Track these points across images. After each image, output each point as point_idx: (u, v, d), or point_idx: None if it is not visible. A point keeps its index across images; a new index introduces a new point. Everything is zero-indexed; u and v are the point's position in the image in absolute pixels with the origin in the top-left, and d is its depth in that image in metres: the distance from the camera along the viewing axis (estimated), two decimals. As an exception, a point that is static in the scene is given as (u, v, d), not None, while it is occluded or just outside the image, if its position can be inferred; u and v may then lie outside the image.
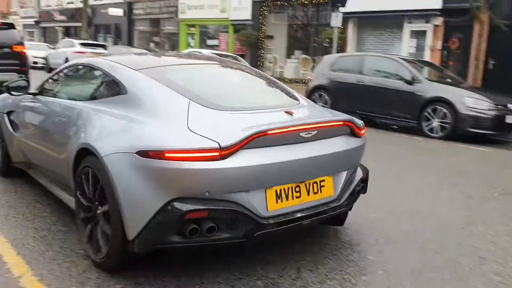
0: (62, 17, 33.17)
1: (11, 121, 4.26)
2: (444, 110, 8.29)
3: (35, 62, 20.49)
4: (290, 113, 2.87)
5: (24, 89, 4.10)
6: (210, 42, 22.19)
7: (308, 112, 3.11)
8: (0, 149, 4.52)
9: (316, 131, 2.76)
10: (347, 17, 15.35)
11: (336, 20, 13.09)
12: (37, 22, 34.00)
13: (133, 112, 2.76)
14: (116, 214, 2.52)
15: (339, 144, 2.94)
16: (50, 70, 19.79)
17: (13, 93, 4.06)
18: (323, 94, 10.19)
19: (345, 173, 3.02)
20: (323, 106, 6.88)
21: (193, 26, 22.94)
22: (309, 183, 2.81)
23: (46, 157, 3.53)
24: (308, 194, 2.80)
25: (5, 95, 4.34)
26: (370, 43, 15.52)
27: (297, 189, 2.75)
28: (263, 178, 2.56)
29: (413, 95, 8.72)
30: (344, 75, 9.93)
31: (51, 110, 3.62)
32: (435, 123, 8.46)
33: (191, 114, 2.63)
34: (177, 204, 2.39)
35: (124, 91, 2.96)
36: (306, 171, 2.76)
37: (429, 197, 4.60)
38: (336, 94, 9.92)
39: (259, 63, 19.28)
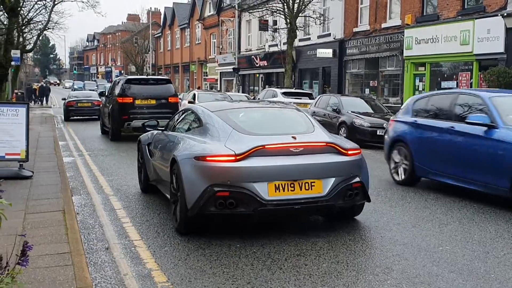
0: (263, 62, 37.29)
1: (149, 150, 8.17)
2: None
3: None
4: (294, 137, 6.03)
5: (154, 126, 8.22)
6: (445, 84, 22.09)
7: (311, 137, 6.26)
8: (142, 172, 8.51)
9: (302, 148, 5.92)
10: None
11: None
12: (235, 69, 38.88)
13: (202, 137, 6.41)
14: (182, 194, 5.91)
15: (324, 158, 5.99)
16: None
17: (147, 128, 8.36)
18: None
19: (333, 179, 5.93)
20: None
21: (422, 65, 23.25)
22: (302, 182, 5.80)
23: (162, 170, 7.17)
24: (301, 190, 5.80)
25: (148, 133, 8.58)
26: None
27: (292, 185, 5.76)
28: (264, 175, 5.69)
29: None
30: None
31: (168, 139, 7.32)
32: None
33: (230, 137, 6.08)
34: (212, 187, 5.64)
35: (202, 124, 6.73)
36: (296, 173, 5.79)
37: None
38: None
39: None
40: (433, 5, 22.83)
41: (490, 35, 19.15)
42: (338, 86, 29.00)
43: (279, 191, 5.70)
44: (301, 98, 22.87)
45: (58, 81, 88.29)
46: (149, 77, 22.66)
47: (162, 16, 69.56)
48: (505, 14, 18.29)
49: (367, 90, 27.26)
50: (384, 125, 15.97)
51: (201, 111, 7.00)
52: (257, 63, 38.35)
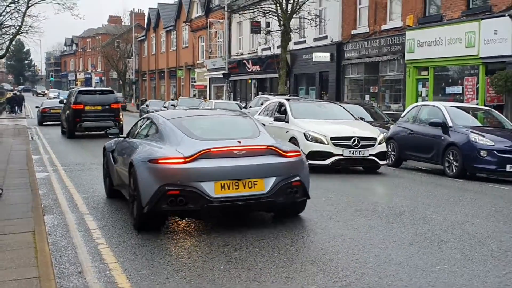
0: (256, 67, 37.46)
1: (113, 157, 9.21)
2: None
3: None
4: (239, 141, 7.23)
5: (116, 134, 9.62)
6: (450, 89, 22.29)
7: (255, 141, 7.51)
8: (108, 178, 9.61)
9: (245, 151, 7.11)
10: None
11: None
12: (225, 75, 38.99)
13: (158, 142, 7.62)
14: (138, 194, 7.01)
15: (266, 160, 7.20)
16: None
17: (110, 136, 9.67)
18: None
19: (274, 178, 7.13)
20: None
21: (425, 69, 23.47)
22: (245, 181, 6.96)
23: (123, 175, 8.12)
24: (244, 188, 6.96)
25: (112, 140, 9.76)
26: None
27: (236, 183, 6.92)
28: (211, 175, 6.84)
29: None
30: None
31: (129, 145, 8.41)
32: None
33: (181, 142, 7.28)
34: (164, 187, 6.75)
35: (158, 131, 7.93)
36: (239, 173, 6.94)
37: None
38: None
39: (526, 117, 18.52)
40: (437, 5, 23.11)
41: (497, 36, 19.39)
42: (336, 92, 29.20)
43: (224, 189, 6.88)
44: (296, 106, 22.96)
45: (45, 91, 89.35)
46: (96, 88, 32.05)
47: (146, 18, 69.67)
48: (513, 15, 18.53)
49: (367, 97, 27.47)
50: (384, 134, 16.18)
51: (158, 119, 8.26)
52: (249, 68, 38.53)
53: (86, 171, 12.97)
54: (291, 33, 28.49)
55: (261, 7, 29.92)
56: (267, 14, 29.59)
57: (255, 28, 34.98)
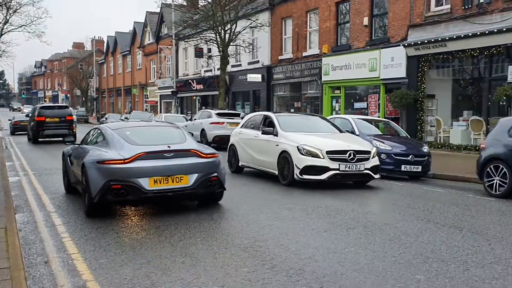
0: (199, 86, 37.29)
1: (70, 160, 9.53)
2: None
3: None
4: (169, 146, 7.83)
5: (72, 142, 10.10)
6: (357, 105, 22.90)
7: (182, 146, 8.08)
8: (66, 177, 9.98)
9: (173, 154, 7.75)
10: (529, 68, 14.81)
11: (513, 74, 12.78)
12: (174, 92, 38.65)
13: (104, 148, 8.08)
14: (89, 188, 7.53)
15: (190, 160, 7.85)
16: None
17: (67, 143, 10.13)
18: (500, 165, 9.89)
19: (196, 174, 7.78)
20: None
21: (338, 88, 24.01)
22: (174, 177, 7.59)
23: (78, 174, 8.44)
24: (173, 182, 7.60)
25: (69, 147, 10.10)
26: None
27: (166, 179, 7.55)
28: (146, 172, 7.44)
29: None
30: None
31: (82, 150, 8.71)
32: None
33: (122, 147, 7.81)
34: (109, 182, 7.34)
35: (105, 139, 8.38)
36: (169, 171, 7.57)
37: None
38: (517, 166, 9.59)
39: (418, 127, 19.24)
40: (346, 36, 23.68)
41: (394, 62, 20.09)
42: (267, 107, 29.41)
43: (157, 183, 7.50)
44: (233, 118, 22.99)
45: (20, 107, 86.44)
46: (54, 104, 33.77)
47: (105, 44, 68.13)
48: (406, 44, 19.25)
49: (292, 111, 27.78)
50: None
51: (105, 129, 8.71)
52: (193, 87, 38.29)
53: (52, 175, 12.56)
54: (228, 58, 28.54)
55: (203, 36, 29.81)
56: (208, 42, 29.51)
57: (199, 53, 34.88)
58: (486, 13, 16.50)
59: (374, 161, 10.97)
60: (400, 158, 12.74)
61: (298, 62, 26.67)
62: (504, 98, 15.24)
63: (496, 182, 9.96)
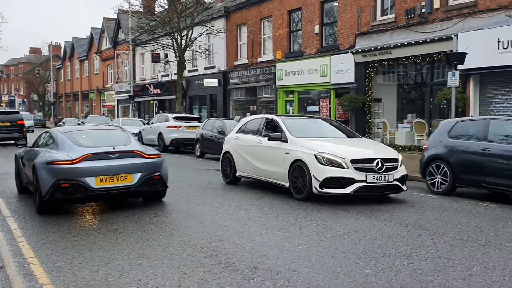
0: (157, 90, 36.85)
1: (22, 162, 9.65)
2: None
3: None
4: (114, 148, 8.22)
5: (24, 145, 10.01)
6: (310, 108, 23.18)
7: (126, 148, 8.41)
8: (19, 178, 10.14)
9: (118, 155, 8.14)
10: (467, 74, 15.39)
11: (452, 80, 13.23)
12: (131, 97, 38.01)
13: (54, 150, 8.31)
14: (39, 187, 7.82)
15: (133, 161, 8.21)
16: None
17: (19, 146, 10.02)
18: (441, 165, 10.23)
19: (140, 173, 8.13)
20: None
21: (291, 93, 24.23)
22: (118, 176, 7.97)
23: (29, 175, 8.61)
24: (118, 181, 7.98)
25: (21, 149, 10.12)
26: (497, 103, 15.25)
27: (112, 178, 7.93)
28: (92, 172, 7.80)
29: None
30: (466, 142, 9.97)
31: (33, 152, 8.87)
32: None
33: (72, 149, 8.08)
34: (58, 181, 7.63)
35: (54, 141, 8.64)
36: (114, 170, 7.93)
37: None
38: (456, 165, 9.93)
39: (366, 129, 19.65)
40: (299, 43, 23.93)
41: (343, 68, 20.44)
42: (223, 111, 29.38)
43: (103, 182, 7.87)
44: (190, 122, 22.86)
45: None
46: (6, 110, 32.75)
47: (62, 49, 66.33)
48: (354, 52, 19.63)
49: (248, 114, 27.84)
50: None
51: (55, 133, 8.91)
52: (151, 91, 37.80)
53: (8, 180, 12.13)
54: (185, 63, 28.34)
55: (160, 42, 29.50)
56: (165, 47, 29.23)
57: (155, 58, 34.43)
58: (427, 22, 17.04)
59: (402, 170, 9.27)
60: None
61: (253, 68, 26.76)
62: (445, 101, 15.74)
63: (438, 180, 10.29)
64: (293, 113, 23.89)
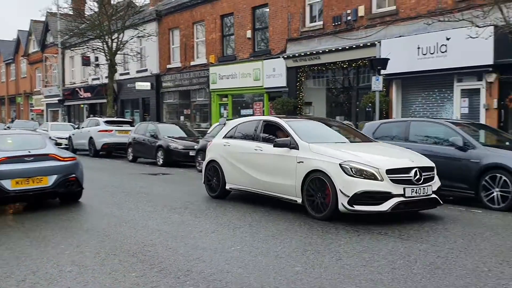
0: (87, 94, 35.69)
1: None
2: (505, 178, 8.51)
3: (58, 144, 21.55)
4: (29, 151, 8.50)
5: None
6: (244, 111, 23.31)
7: (41, 151, 8.72)
8: None
9: (33, 158, 8.43)
10: (390, 78, 16.07)
11: (376, 84, 13.79)
12: (60, 101, 36.65)
13: None
14: None
15: (49, 163, 8.54)
16: (74, 151, 21.21)
17: None
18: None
19: (55, 175, 8.47)
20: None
21: (225, 96, 24.27)
22: (34, 178, 8.28)
23: None
24: (33, 183, 8.29)
25: None
26: (418, 105, 16.04)
27: (27, 180, 8.24)
28: (8, 175, 8.07)
29: (467, 162, 9.04)
30: (389, 143, 10.38)
31: None
32: (495, 192, 8.65)
33: None
34: None
35: None
36: (29, 173, 8.23)
37: None
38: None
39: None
40: (232, 48, 24.03)
41: (275, 72, 20.75)
42: (156, 114, 28.93)
43: (19, 184, 8.15)
44: (122, 126, 22.35)
45: None
46: None
47: (-14, 52, 62.75)
48: (285, 56, 19.98)
49: (181, 118, 27.60)
50: (195, 147, 16.38)
51: None
52: (81, 95, 36.53)
53: None
54: (116, 66, 27.67)
55: (90, 45, 28.63)
56: (95, 51, 28.42)
57: (86, 61, 33.39)
58: (353, 29, 17.64)
59: (437, 181, 7.84)
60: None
61: (187, 71, 26.55)
62: (370, 104, 16.35)
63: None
64: (227, 116, 23.93)
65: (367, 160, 7.40)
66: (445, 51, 14.57)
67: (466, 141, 9.25)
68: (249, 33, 22.39)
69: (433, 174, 7.76)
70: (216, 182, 9.76)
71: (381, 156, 7.80)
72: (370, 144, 8.83)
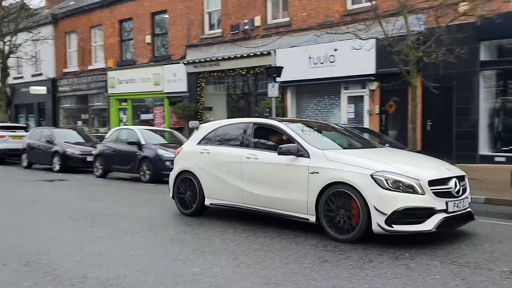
0: (-24, 98, 32.84)
1: None
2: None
3: None
4: None
5: None
6: (144, 116, 22.84)
7: None
8: None
9: None
10: (285, 85, 16.64)
11: (272, 90, 14.21)
12: None
13: None
14: None
15: None
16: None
17: None
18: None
19: None
20: None
21: (124, 100, 23.61)
22: None
23: None
24: None
25: None
26: (310, 110, 16.77)
27: None
28: None
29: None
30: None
31: None
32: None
33: None
34: None
35: None
36: None
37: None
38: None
39: (198, 136, 19.99)
40: (131, 52, 23.47)
41: (176, 77, 20.60)
42: (53, 119, 27.47)
43: None
44: (16, 131, 20.88)
45: None
46: None
47: None
48: (186, 62, 19.90)
49: (79, 122, 26.42)
50: (92, 152, 15.79)
51: None
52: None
53: None
54: (8, 70, 25.82)
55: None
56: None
57: (-25, 64, 30.72)
58: (250, 38, 18.03)
59: (468, 192, 6.65)
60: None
61: (84, 75, 25.49)
62: (267, 110, 16.79)
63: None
64: (127, 121, 23.27)
65: (404, 170, 6.05)
66: (333, 61, 15.40)
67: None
68: (148, 38, 22.02)
69: (466, 183, 6.61)
70: (190, 197, 8.06)
71: (414, 165, 6.43)
72: (383, 150, 7.57)
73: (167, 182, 11.95)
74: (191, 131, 9.61)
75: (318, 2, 16.13)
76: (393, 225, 5.85)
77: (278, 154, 6.80)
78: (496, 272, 4.96)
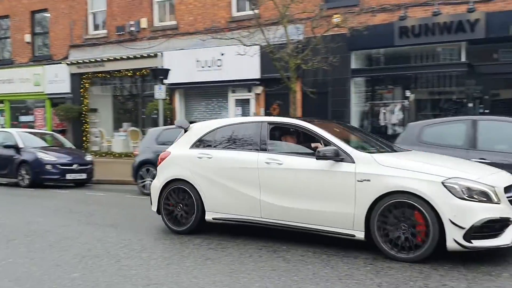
0: None
1: None
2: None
3: None
4: None
5: None
6: (24, 118, 21.26)
7: None
8: None
9: None
10: (173, 87, 16.48)
11: (159, 92, 14.00)
12: None
13: None
14: None
15: None
16: None
17: None
18: (150, 169, 10.69)
19: None
20: None
21: (2, 102, 21.77)
22: None
23: None
24: None
25: None
26: (199, 112, 16.80)
27: None
28: None
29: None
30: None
31: None
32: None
33: None
34: None
35: None
36: None
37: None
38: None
39: (84, 138, 19.09)
40: (9, 51, 21.74)
41: (58, 78, 19.47)
42: None
43: None
44: None
45: None
46: None
47: None
48: (69, 63, 18.87)
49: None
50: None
51: None
52: None
53: None
54: None
55: None
56: None
57: None
58: (136, 40, 17.62)
59: None
60: (65, 167, 12.53)
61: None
62: (155, 111, 16.51)
63: (148, 183, 10.73)
64: (4, 123, 21.48)
65: (477, 176, 5.13)
66: (221, 65, 15.61)
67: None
68: (28, 37, 20.53)
69: None
70: (184, 212, 6.65)
71: (480, 170, 5.50)
72: (424, 154, 6.33)
73: (48, 187, 11.32)
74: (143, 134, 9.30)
75: (205, 7, 16.23)
76: (473, 241, 4.88)
77: (317, 159, 5.57)
78: (360, 259, 5.38)
